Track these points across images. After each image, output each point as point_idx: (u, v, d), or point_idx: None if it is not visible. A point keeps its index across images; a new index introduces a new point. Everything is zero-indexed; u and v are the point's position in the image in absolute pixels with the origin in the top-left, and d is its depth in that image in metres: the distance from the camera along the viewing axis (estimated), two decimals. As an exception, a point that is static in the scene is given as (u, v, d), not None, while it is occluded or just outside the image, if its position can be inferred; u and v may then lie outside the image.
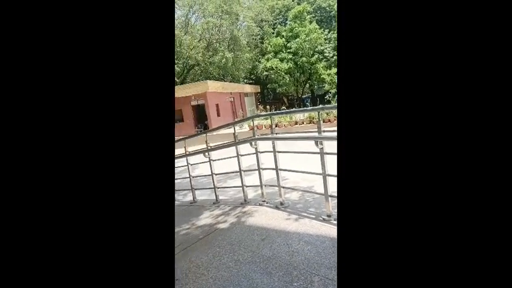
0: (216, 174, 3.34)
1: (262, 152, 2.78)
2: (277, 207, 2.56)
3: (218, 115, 15.12)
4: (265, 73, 19.72)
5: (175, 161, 4.20)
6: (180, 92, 14.35)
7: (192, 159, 3.72)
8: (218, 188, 3.38)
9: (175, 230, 2.58)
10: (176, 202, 3.98)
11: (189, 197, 4.05)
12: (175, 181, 4.14)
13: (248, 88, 19.93)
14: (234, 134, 2.99)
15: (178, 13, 19.81)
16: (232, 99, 17.16)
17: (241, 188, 3.02)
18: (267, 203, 2.75)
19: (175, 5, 18.64)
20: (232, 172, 3.66)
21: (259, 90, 21.85)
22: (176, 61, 13.11)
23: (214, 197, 3.34)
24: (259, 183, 2.84)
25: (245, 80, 22.28)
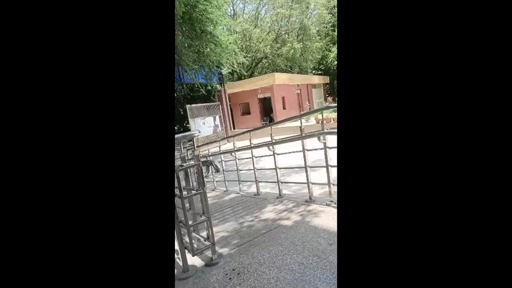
0: (280, 169, 3.26)
1: (331, 148, 2.55)
2: (346, 210, 2.31)
3: (284, 108, 15.02)
4: (335, 63, 18.51)
5: (241, 152, 4.31)
6: (247, 85, 14.78)
7: (256, 151, 3.73)
8: (282, 182, 3.30)
9: (240, 221, 2.62)
10: (241, 193, 4.09)
11: (253, 189, 4.10)
12: (240, 172, 4.26)
13: (316, 79, 19.13)
14: (300, 127, 2.83)
15: (249, 7, 20.26)
16: (298, 91, 16.77)
17: (304, 184, 2.86)
18: (334, 203, 2.53)
19: (247, 0, 19.10)
20: (297, 167, 3.52)
21: (328, 81, 20.72)
22: (245, 54, 13.48)
23: (278, 191, 3.27)
24: (326, 181, 2.62)
25: (313, 71, 21.46)
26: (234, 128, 14.19)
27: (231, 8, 18.74)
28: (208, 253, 1.90)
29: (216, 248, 1.93)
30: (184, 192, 1.99)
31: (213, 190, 4.85)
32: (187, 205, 2.03)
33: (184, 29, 8.16)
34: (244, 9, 20.30)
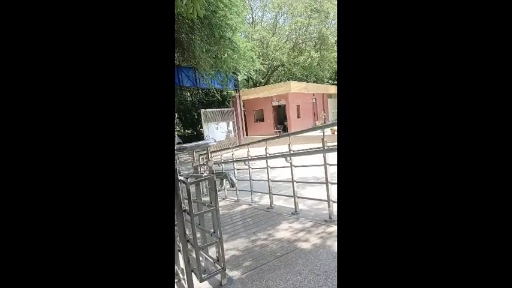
0: (297, 182, 3.04)
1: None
2: (372, 235, 2.06)
3: (298, 116, 14.77)
4: (353, 73, 18.15)
5: (254, 162, 4.12)
6: (262, 92, 14.67)
7: (271, 161, 3.53)
8: (298, 197, 3.07)
9: (252, 239, 2.41)
10: (253, 204, 3.88)
11: (265, 200, 3.88)
12: (253, 181, 4.06)
13: (333, 89, 18.82)
14: (322, 139, 2.61)
15: (268, 15, 20.37)
16: (314, 101, 16.50)
17: (320, 200, 2.62)
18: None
19: (266, 9, 19.22)
20: (314, 182, 3.29)
21: (345, 92, 20.35)
22: (262, 62, 13.41)
23: (293, 206, 3.05)
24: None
25: (330, 81, 21.19)
26: (247, 135, 14.05)
27: (250, 16, 18.88)
28: (218, 275, 1.70)
29: (226, 270, 1.72)
30: (194, 205, 1.81)
31: (224, 199, 4.66)
32: (196, 215, 1.84)
33: (203, 34, 8.18)
34: (263, 18, 20.43)
